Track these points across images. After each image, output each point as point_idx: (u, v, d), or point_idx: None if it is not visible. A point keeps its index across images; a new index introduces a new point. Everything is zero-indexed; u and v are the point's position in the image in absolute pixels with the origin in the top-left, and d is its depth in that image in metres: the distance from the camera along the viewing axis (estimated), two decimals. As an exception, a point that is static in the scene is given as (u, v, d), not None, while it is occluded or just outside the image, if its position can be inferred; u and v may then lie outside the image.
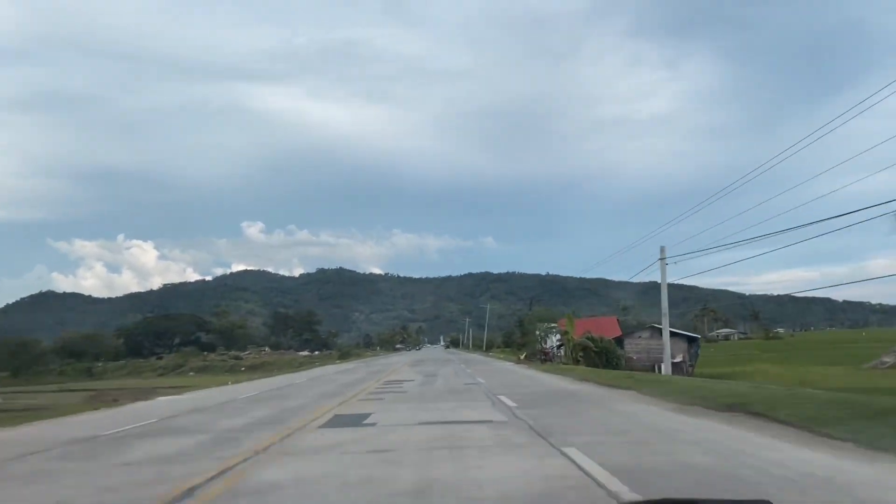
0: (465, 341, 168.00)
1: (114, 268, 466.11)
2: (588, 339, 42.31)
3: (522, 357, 51.86)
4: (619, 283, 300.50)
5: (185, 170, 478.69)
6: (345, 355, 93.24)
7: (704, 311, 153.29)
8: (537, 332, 56.52)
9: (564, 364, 42.06)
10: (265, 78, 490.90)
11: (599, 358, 40.65)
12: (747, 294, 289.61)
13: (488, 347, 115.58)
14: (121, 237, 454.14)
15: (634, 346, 48.57)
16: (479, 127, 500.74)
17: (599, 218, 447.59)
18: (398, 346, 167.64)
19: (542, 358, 49.32)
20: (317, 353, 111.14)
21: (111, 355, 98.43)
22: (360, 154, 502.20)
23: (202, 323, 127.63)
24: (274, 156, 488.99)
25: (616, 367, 39.24)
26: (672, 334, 41.28)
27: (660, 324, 39.38)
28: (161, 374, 72.90)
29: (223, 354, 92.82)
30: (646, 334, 49.59)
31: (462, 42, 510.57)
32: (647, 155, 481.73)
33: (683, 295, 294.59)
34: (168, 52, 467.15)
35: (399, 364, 49.02)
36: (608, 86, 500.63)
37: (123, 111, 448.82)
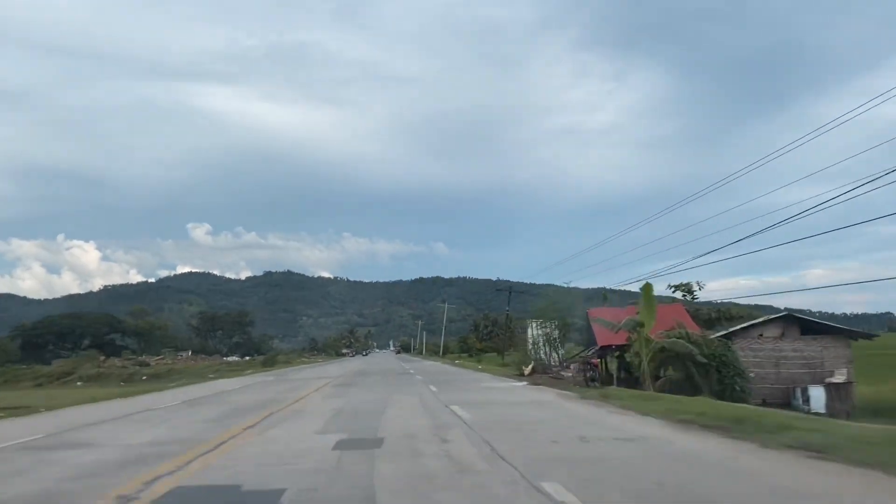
0: (416, 346, 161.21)
1: (53, 269, 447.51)
2: (682, 336, 23.16)
3: (527, 371, 31.40)
4: (569, 289, 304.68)
5: (130, 170, 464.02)
6: (270, 362, 75.16)
7: (698, 311, 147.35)
8: (536, 332, 38.78)
9: (638, 392, 18.65)
10: (214, 79, 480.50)
11: (705, 377, 21.72)
12: (696, 301, 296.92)
13: (444, 352, 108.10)
14: (60, 237, 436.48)
15: (753, 353, 27.40)
16: (430, 133, 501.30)
17: (549, 224, 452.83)
18: (345, 350, 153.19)
19: (589, 375, 27.98)
20: (247, 358, 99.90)
21: (3, 359, 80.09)
22: (311, 157, 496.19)
23: (116, 323, 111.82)
24: (222, 157, 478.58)
25: (738, 394, 21.47)
26: (823, 330, 28.75)
27: (786, 309, 28.02)
28: (39, 385, 52.54)
29: (130, 359, 78.75)
30: (775, 330, 28.60)
31: (414, 48, 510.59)
32: (594, 164, 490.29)
33: (630, 301, 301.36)
34: (115, 50, 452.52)
35: (328, 378, 32.01)
36: (557, 96, 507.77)
37: (65, 108, 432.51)
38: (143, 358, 79.29)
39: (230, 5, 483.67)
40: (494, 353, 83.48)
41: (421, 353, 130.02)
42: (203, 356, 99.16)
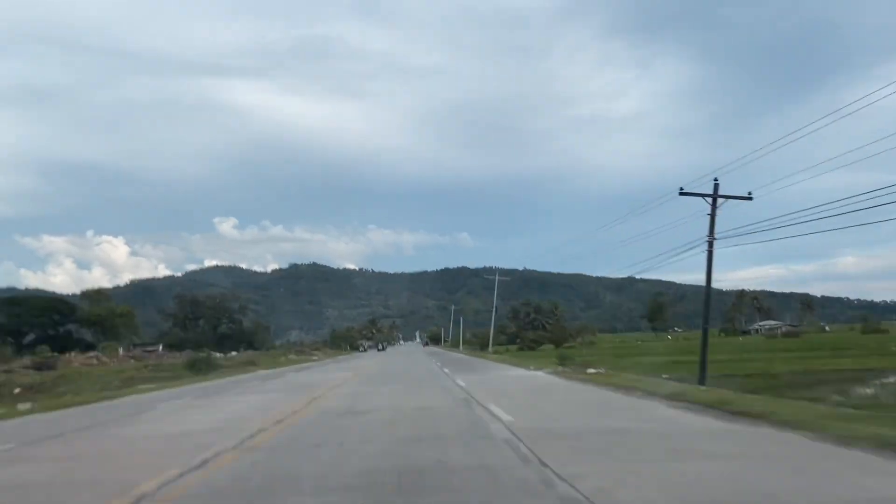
0: (449, 336, 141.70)
1: (83, 264, 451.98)
2: None
3: None
4: (596, 278, 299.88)
5: (158, 165, 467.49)
6: (202, 366, 39.36)
7: (743, 297, 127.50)
8: None
9: None
10: (239, 73, 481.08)
11: None
12: (725, 290, 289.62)
13: (488, 346, 79.44)
14: (90, 233, 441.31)
15: None
16: (453, 123, 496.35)
17: (575, 214, 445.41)
18: (362, 343, 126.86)
19: None
20: (233, 353, 77.26)
21: None
22: (335, 150, 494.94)
23: (68, 310, 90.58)
24: (248, 151, 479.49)
25: None
26: None
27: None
28: None
29: (48, 357, 57.34)
30: None
31: (437, 39, 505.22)
32: (619, 152, 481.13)
33: (660, 290, 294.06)
34: (142, 47, 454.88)
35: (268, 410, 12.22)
36: (581, 85, 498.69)
37: (95, 105, 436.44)
38: (53, 357, 57.11)
39: (253, 0, 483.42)
40: (549, 346, 75.56)
41: (455, 345, 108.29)
42: (172, 353, 74.29)
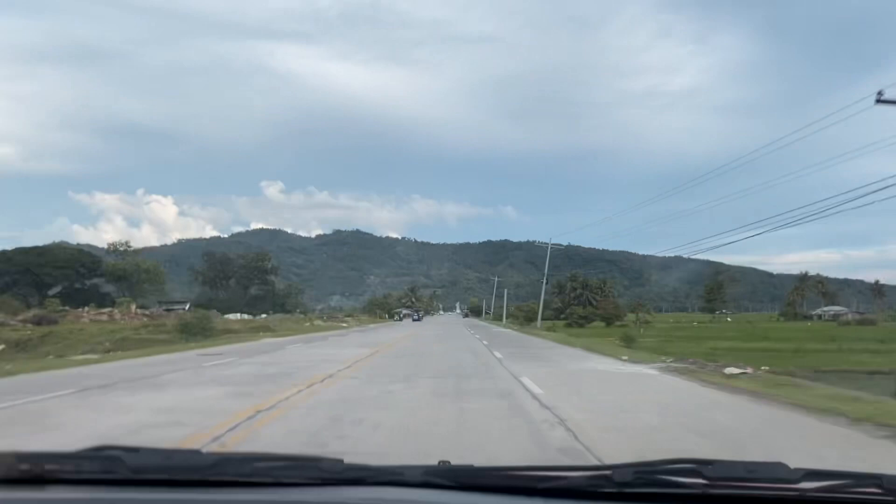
0: (491, 308, 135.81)
1: (133, 222, 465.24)
2: None
3: None
4: (643, 256, 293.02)
5: (207, 127, 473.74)
6: (200, 327, 36.40)
7: (805, 280, 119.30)
8: None
9: None
10: (290, 38, 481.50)
11: None
12: (774, 273, 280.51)
13: (528, 319, 76.87)
14: (140, 191, 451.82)
15: None
16: (502, 95, 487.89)
17: (622, 190, 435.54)
18: (399, 311, 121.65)
19: None
20: (263, 316, 76.46)
21: None
22: (382, 118, 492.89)
23: (94, 264, 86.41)
24: (295, 117, 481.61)
25: None
26: None
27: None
28: None
29: (60, 311, 55.74)
30: None
31: (488, 8, 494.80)
32: (673, 128, 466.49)
33: (710, 272, 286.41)
34: (194, 9, 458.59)
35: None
36: (636, 57, 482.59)
37: (148, 67, 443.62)
38: (58, 312, 54.37)
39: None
40: (599, 323, 71.11)
41: (500, 318, 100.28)
42: (178, 310, 70.07)
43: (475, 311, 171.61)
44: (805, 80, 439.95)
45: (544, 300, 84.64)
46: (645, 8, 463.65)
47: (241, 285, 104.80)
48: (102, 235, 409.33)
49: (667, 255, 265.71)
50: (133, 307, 65.47)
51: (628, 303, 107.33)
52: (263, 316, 76.19)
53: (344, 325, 64.62)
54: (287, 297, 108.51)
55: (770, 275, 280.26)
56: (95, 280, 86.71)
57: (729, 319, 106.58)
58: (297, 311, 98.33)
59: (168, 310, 73.00)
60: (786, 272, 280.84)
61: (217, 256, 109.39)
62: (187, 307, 77.83)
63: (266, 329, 44.26)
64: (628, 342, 25.74)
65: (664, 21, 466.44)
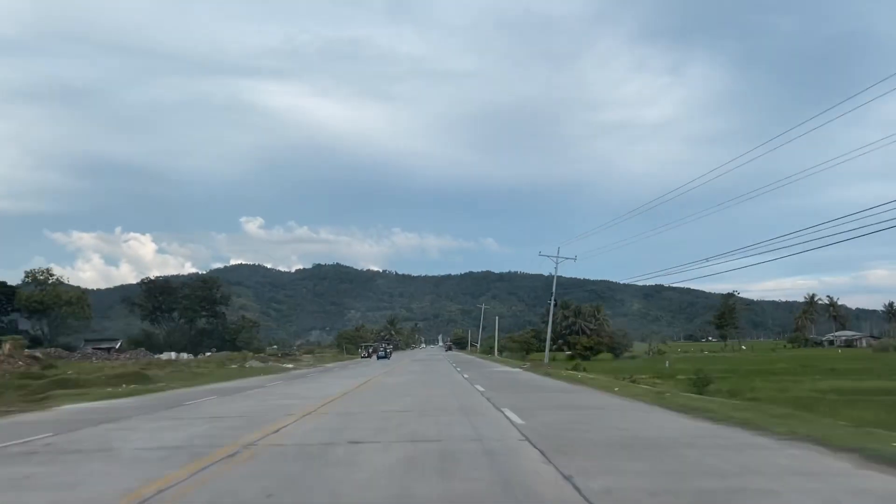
0: (474, 340, 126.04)
1: (111, 260, 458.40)
2: None
3: None
4: (624, 285, 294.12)
5: (186, 164, 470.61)
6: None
7: (812, 304, 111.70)
8: None
9: None
10: (269, 75, 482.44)
11: None
12: (755, 300, 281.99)
13: (525, 351, 71.06)
14: (118, 229, 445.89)
15: None
16: (481, 128, 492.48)
17: (601, 220, 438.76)
18: (369, 346, 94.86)
19: None
20: (207, 354, 66.91)
21: None
22: (363, 153, 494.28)
23: (4, 295, 73.33)
24: (275, 153, 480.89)
25: None
26: None
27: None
28: None
29: None
30: None
31: (466, 43, 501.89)
32: (649, 159, 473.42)
33: (689, 300, 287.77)
34: (172, 47, 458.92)
35: None
36: (611, 90, 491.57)
37: (125, 105, 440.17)
38: None
39: (284, 2, 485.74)
40: (606, 354, 65.48)
41: (490, 351, 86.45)
42: (137, 351, 61.43)
43: (459, 344, 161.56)
44: (779, 110, 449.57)
45: (534, 330, 77.61)
46: (619, 41, 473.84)
47: (186, 318, 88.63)
48: (80, 274, 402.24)
49: (647, 283, 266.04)
50: (7, 347, 47.28)
51: (647, 332, 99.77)
52: (208, 353, 67.22)
53: (289, 366, 51.01)
54: (239, 332, 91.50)
55: (750, 301, 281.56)
56: (13, 315, 75.55)
57: (744, 347, 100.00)
58: (251, 346, 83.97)
59: (97, 349, 64.93)
60: (765, 299, 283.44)
61: (157, 284, 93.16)
62: (118, 345, 69.77)
63: (142, 378, 29.23)
64: (700, 386, 18.68)
65: (639, 54, 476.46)
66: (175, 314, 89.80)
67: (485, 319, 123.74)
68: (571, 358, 61.66)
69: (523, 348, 73.53)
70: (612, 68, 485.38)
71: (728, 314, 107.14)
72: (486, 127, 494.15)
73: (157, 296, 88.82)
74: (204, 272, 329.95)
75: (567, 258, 55.24)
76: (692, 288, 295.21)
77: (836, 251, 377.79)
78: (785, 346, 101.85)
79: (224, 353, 67.23)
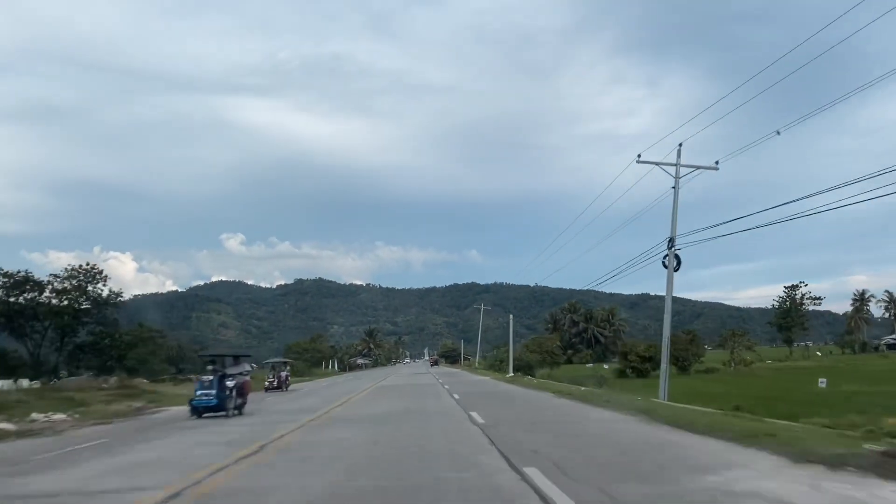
0: (474, 353, 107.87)
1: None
2: None
3: None
4: (610, 294, 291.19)
5: (165, 182, 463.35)
6: None
7: (864, 303, 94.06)
8: None
9: None
10: (249, 92, 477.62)
11: None
12: (742, 307, 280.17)
13: (526, 369, 53.51)
14: (97, 249, 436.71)
15: None
16: (462, 141, 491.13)
17: (585, 230, 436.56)
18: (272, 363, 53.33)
19: None
20: (85, 376, 51.39)
21: None
22: (345, 167, 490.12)
23: None
24: (257, 169, 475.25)
25: None
26: None
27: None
28: None
29: None
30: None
31: (446, 57, 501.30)
32: (629, 170, 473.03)
33: (677, 308, 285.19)
34: (151, 65, 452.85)
35: None
36: (590, 102, 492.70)
37: (104, 123, 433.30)
38: None
39: (264, 19, 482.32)
40: (649, 371, 46.07)
41: (501, 366, 62.15)
42: None
43: (449, 357, 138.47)
44: (758, 120, 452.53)
45: (537, 339, 63.51)
46: (597, 55, 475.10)
47: (57, 330, 58.93)
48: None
49: (632, 292, 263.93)
50: None
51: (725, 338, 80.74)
52: (85, 376, 49.06)
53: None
54: (132, 348, 62.59)
55: (738, 309, 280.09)
56: None
57: (819, 354, 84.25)
58: (147, 368, 60.93)
59: None
60: (751, 306, 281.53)
61: (14, 278, 56.43)
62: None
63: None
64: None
65: (617, 66, 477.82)
66: (46, 323, 58.62)
67: (469, 332, 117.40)
68: (622, 375, 49.18)
69: (546, 360, 57.00)
70: (590, 81, 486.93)
71: (794, 312, 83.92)
72: (469, 140, 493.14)
73: (13, 295, 57.06)
74: (184, 290, 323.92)
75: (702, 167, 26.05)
76: (678, 296, 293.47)
77: (817, 257, 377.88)
78: (843, 351, 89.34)
79: (79, 377, 48.27)
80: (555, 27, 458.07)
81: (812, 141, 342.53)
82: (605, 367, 56.85)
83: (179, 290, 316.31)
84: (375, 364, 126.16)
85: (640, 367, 48.12)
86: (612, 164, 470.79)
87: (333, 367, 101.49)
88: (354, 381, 45.89)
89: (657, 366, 41.71)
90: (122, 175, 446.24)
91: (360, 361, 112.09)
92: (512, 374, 47.08)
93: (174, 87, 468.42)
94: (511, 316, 57.97)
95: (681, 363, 49.06)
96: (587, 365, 59.59)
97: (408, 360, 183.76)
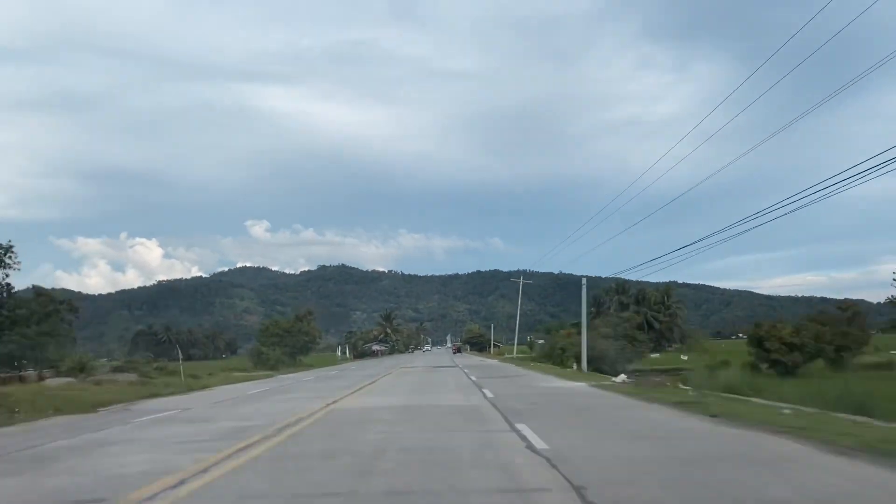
0: (509, 338, 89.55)
1: (118, 266, 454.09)
2: None
3: None
4: (637, 282, 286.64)
5: (191, 169, 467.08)
6: None
7: None
8: None
9: None
10: (272, 79, 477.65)
11: None
12: (773, 296, 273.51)
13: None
14: (123, 235, 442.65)
15: None
16: (486, 128, 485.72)
17: (611, 217, 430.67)
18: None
19: None
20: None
21: None
22: (367, 155, 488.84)
23: None
24: (280, 156, 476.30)
25: None
26: None
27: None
28: None
29: None
30: None
31: (470, 43, 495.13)
32: (656, 156, 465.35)
33: (705, 296, 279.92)
34: (175, 53, 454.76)
35: None
36: (617, 88, 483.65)
37: (130, 111, 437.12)
38: None
39: (286, 6, 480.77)
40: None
41: (559, 356, 47.06)
42: None
43: (476, 344, 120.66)
44: (787, 104, 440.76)
45: (576, 324, 45.81)
46: (623, 40, 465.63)
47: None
48: (86, 280, 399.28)
49: (660, 280, 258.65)
50: None
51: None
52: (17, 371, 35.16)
53: None
54: (15, 326, 43.08)
55: (768, 297, 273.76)
56: None
57: None
58: (66, 363, 36.34)
59: None
60: (777, 294, 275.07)
61: None
62: None
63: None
64: None
65: (644, 52, 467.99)
66: None
67: (491, 318, 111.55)
68: (755, 370, 32.34)
69: (624, 356, 42.09)
70: (616, 66, 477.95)
71: None
72: (492, 126, 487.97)
73: None
74: (207, 275, 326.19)
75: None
76: (706, 284, 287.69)
77: (844, 247, 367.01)
78: None
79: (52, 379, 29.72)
80: (580, 11, 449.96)
81: (845, 126, 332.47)
82: (684, 357, 48.40)
83: (204, 275, 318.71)
84: (392, 351, 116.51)
85: (785, 359, 33.41)
86: (639, 150, 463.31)
87: (345, 353, 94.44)
88: (318, 383, 28.99)
89: (810, 357, 34.45)
90: (149, 162, 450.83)
91: (374, 348, 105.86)
92: (586, 370, 34.75)
93: (200, 75, 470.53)
94: (584, 279, 40.65)
95: (836, 354, 35.41)
96: (651, 355, 47.51)
97: (427, 346, 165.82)
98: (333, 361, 73.11)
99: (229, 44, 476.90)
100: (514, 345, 69.64)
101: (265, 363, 53.43)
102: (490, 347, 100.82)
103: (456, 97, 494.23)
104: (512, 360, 54.09)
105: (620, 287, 59.75)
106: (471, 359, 66.77)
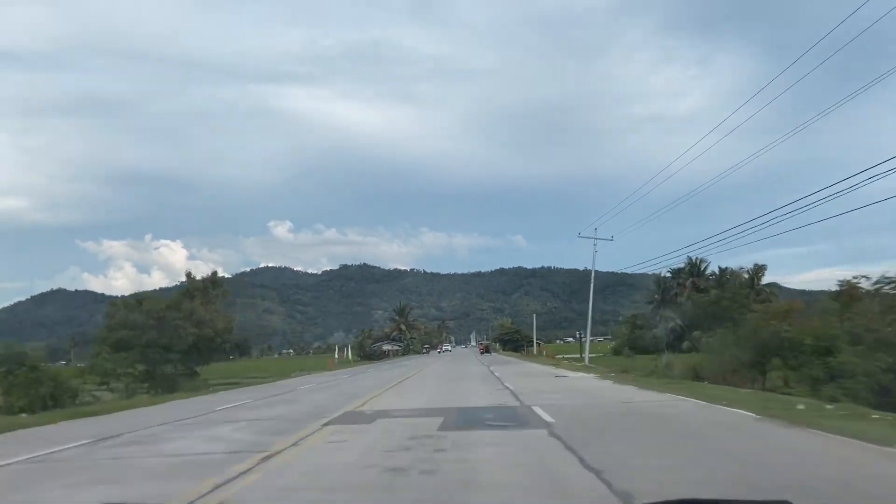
0: (587, 328, 54.87)
1: (143, 267, 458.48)
2: None
3: None
4: (662, 276, 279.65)
5: (215, 171, 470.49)
6: None
7: None
8: None
9: None
10: (293, 80, 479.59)
11: None
12: (807, 290, 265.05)
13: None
14: (148, 237, 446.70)
15: None
16: (507, 125, 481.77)
17: (635, 213, 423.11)
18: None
19: None
20: None
21: None
22: (388, 154, 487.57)
23: None
24: (302, 156, 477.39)
25: None
26: None
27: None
28: None
29: None
30: None
31: (490, 41, 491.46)
32: (680, 151, 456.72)
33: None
34: (198, 56, 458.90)
35: None
36: (639, 83, 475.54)
37: (154, 114, 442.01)
38: None
39: (307, 6, 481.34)
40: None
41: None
42: None
43: (510, 342, 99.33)
44: (812, 97, 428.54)
45: (631, 316, 40.97)
46: (645, 34, 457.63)
47: None
48: (112, 282, 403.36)
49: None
50: None
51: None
52: None
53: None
54: None
55: (802, 292, 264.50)
56: None
57: None
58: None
59: None
60: (805, 289, 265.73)
61: None
62: None
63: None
64: None
65: (666, 46, 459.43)
66: None
67: (517, 316, 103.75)
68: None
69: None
70: (639, 62, 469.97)
71: None
72: (513, 124, 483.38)
73: None
74: (229, 275, 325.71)
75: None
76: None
77: (871, 240, 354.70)
78: None
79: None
80: (601, 6, 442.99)
81: (875, 119, 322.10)
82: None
83: (226, 276, 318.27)
84: (406, 351, 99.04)
85: None
86: (661, 146, 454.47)
87: (347, 355, 78.21)
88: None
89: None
90: (173, 164, 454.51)
91: (385, 347, 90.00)
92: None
93: (222, 77, 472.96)
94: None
95: None
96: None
97: (447, 346, 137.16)
98: (320, 366, 53.31)
99: (251, 46, 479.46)
100: (583, 340, 45.77)
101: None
102: (531, 346, 78.83)
103: (477, 95, 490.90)
104: (586, 369, 31.61)
105: (695, 268, 49.37)
106: (514, 365, 40.53)
